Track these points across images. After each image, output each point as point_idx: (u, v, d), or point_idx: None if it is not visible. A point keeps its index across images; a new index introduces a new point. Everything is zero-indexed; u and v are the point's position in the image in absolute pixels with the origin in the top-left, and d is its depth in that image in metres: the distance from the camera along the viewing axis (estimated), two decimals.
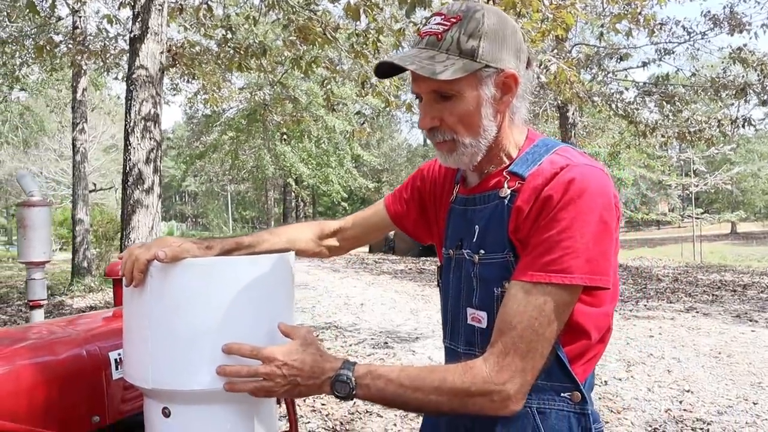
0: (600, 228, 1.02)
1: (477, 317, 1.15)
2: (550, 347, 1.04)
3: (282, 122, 10.29)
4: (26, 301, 2.22)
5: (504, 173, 1.14)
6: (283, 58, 7.07)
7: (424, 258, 18.50)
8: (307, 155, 26.83)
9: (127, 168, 6.07)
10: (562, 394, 1.10)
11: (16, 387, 1.22)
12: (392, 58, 1.12)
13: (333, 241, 1.49)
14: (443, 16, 1.10)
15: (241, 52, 6.86)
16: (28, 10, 5.58)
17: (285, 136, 25.29)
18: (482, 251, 1.14)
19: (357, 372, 1.06)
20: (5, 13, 7.88)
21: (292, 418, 1.43)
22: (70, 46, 8.59)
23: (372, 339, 7.19)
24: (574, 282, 1.01)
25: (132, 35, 5.83)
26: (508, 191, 1.11)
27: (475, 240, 1.16)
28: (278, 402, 1.40)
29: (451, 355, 1.24)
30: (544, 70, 5.19)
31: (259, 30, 6.76)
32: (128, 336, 1.20)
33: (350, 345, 6.91)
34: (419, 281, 13.11)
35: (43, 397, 1.25)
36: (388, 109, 8.00)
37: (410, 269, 15.91)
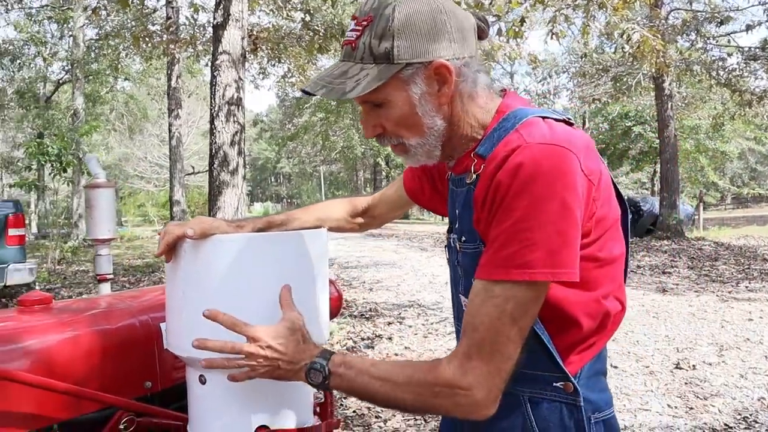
0: (561, 214, 0.92)
1: (466, 302, 1.11)
2: (518, 348, 0.97)
3: None
4: (95, 275, 2.41)
5: (471, 155, 1.07)
6: None
7: None
8: None
9: (213, 150, 6.35)
10: (554, 384, 1.06)
11: (75, 352, 1.32)
12: (307, 84, 1.07)
13: (363, 219, 1.52)
14: (356, 20, 1.03)
15: (321, 34, 6.96)
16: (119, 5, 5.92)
17: None
18: (463, 238, 1.10)
19: (332, 362, 1.05)
20: (106, 10, 8.41)
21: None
22: (163, 35, 9.03)
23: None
24: (535, 278, 0.92)
25: (215, 23, 6.05)
26: (474, 176, 1.05)
27: (457, 225, 1.13)
28: None
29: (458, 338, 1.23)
30: (627, 40, 4.93)
31: (337, 11, 6.82)
32: (168, 307, 1.27)
33: (431, 324, 6.94)
34: None
35: (100, 362, 1.36)
36: None
37: None
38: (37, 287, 7.99)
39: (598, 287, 1.04)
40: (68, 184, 13.09)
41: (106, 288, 2.48)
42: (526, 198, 0.91)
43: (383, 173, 32.40)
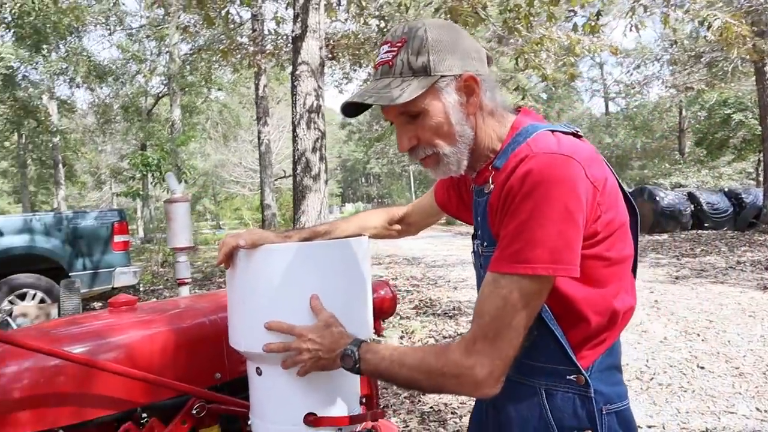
0: (562, 216, 1.02)
1: None
2: (520, 336, 1.06)
3: None
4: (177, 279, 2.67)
5: (489, 168, 1.19)
6: None
7: None
8: None
9: (296, 157, 6.63)
10: (567, 377, 1.15)
11: (153, 346, 1.53)
12: (352, 97, 1.18)
13: (400, 226, 1.66)
14: (389, 44, 1.16)
15: None
16: (205, 22, 6.33)
17: None
18: (485, 243, 1.21)
19: (362, 348, 1.18)
20: (195, 27, 8.97)
21: (371, 382, 1.61)
22: (249, 48, 9.49)
23: None
24: (536, 272, 1.02)
25: (294, 35, 6.33)
26: (491, 186, 1.16)
27: (479, 232, 1.25)
28: None
29: None
30: (708, 27, 4.75)
31: (410, 15, 6.95)
32: (229, 309, 1.45)
33: None
34: None
35: (175, 355, 1.55)
36: (547, 82, 7.79)
37: None
38: (141, 289, 8.63)
39: (607, 285, 1.13)
40: (168, 192, 13.91)
41: (184, 291, 2.75)
42: (531, 202, 1.02)
43: None
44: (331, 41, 7.24)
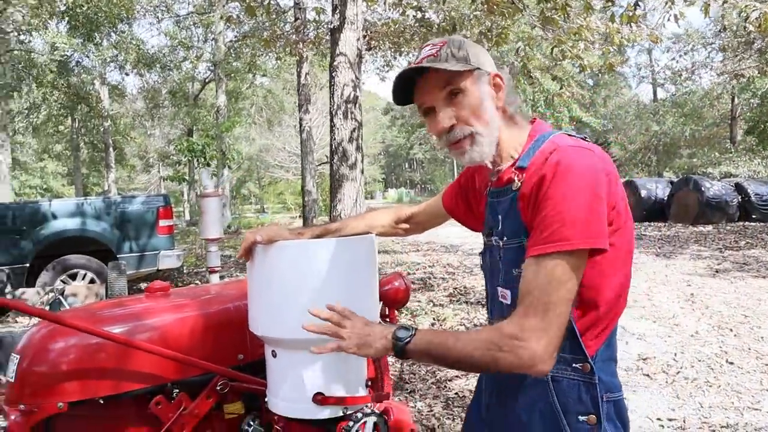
0: (591, 198, 1.15)
1: (503, 294, 1.34)
2: (568, 307, 1.16)
3: None
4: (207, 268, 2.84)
5: (513, 169, 1.31)
6: (473, 32, 7.24)
7: (648, 223, 17.34)
8: None
9: (333, 146, 6.78)
10: (573, 365, 1.25)
11: (182, 329, 1.70)
12: (405, 69, 1.33)
13: (408, 224, 1.78)
14: (431, 45, 1.33)
15: (433, 29, 7.17)
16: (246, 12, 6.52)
17: None
18: (505, 238, 1.32)
19: (416, 329, 1.24)
20: (239, 17, 9.21)
21: (377, 366, 1.74)
22: (290, 36, 9.66)
23: None
24: (574, 246, 1.14)
25: (332, 26, 6.46)
26: (518, 183, 1.28)
27: (499, 228, 1.35)
28: None
29: None
30: (745, 18, 4.67)
31: (447, 7, 6.99)
32: (249, 297, 1.61)
33: None
34: (636, 248, 12.29)
35: (202, 337, 1.72)
36: (587, 71, 7.73)
37: None
38: (185, 271, 8.97)
39: (613, 274, 1.24)
40: (212, 176, 14.33)
41: (215, 278, 2.94)
42: (563, 186, 1.15)
43: None
44: (370, 30, 7.35)
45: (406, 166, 74.81)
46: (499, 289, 1.36)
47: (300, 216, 14.19)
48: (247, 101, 28.65)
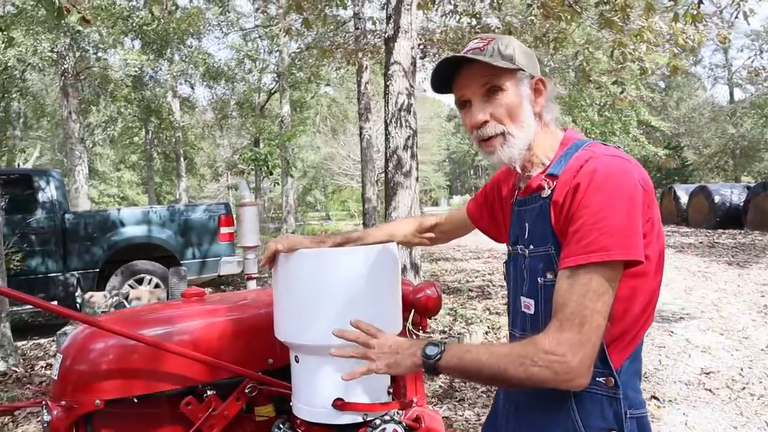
0: (630, 206, 1.13)
1: (527, 304, 1.31)
2: (605, 320, 1.12)
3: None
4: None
5: (543, 177, 1.28)
6: (527, 38, 7.15)
7: (721, 230, 16.58)
8: (590, 124, 25.66)
9: (388, 154, 6.83)
10: (597, 378, 1.19)
11: (213, 333, 1.76)
12: (446, 57, 1.30)
13: (431, 234, 1.77)
14: (480, 38, 1.31)
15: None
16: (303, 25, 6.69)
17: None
18: (531, 246, 1.29)
19: (447, 343, 1.21)
20: (297, 29, 9.46)
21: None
22: (348, 46, 9.81)
23: None
24: (612, 258, 1.10)
25: (386, 36, 6.53)
26: (549, 191, 1.25)
27: (526, 237, 1.32)
28: None
29: (512, 341, 1.39)
30: None
31: (502, 13, 6.94)
32: (274, 304, 1.65)
33: None
34: (707, 256, 11.90)
35: (233, 341, 1.78)
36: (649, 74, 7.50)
37: (700, 243, 14.44)
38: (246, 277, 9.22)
39: (645, 286, 1.21)
40: (273, 185, 14.76)
41: (252, 285, 3.02)
42: (600, 195, 1.13)
43: None
44: (425, 38, 7.37)
45: (471, 173, 74.23)
46: (523, 299, 1.33)
47: (362, 223, 14.32)
48: (312, 110, 29.16)
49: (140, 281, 7.16)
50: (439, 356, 1.18)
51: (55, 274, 6.91)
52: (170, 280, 6.39)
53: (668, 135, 29.25)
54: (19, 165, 20.14)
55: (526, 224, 1.33)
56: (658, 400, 4.23)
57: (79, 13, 5.49)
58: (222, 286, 8.90)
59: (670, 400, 4.22)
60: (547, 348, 1.10)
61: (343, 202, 39.42)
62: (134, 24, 13.91)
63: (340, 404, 1.53)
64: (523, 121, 1.28)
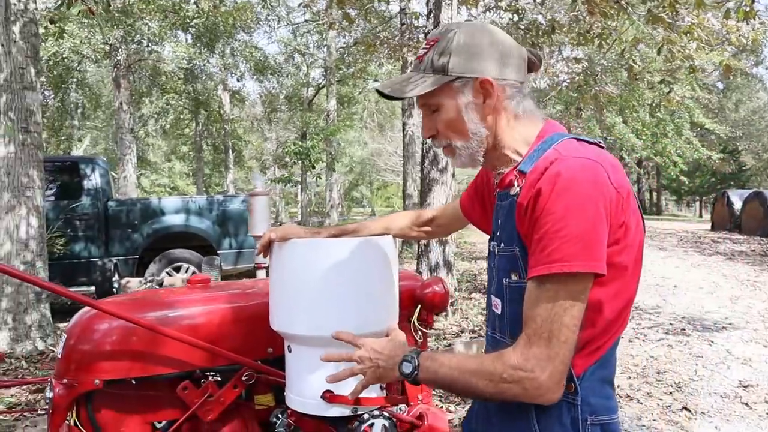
0: (594, 215, 1.06)
1: (495, 303, 1.28)
2: (574, 333, 1.08)
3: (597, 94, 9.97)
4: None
5: (514, 172, 1.23)
6: (570, 34, 6.99)
7: None
8: (641, 125, 24.96)
9: (424, 150, 6.80)
10: None
11: (213, 320, 1.78)
12: (379, 86, 1.28)
13: (428, 228, 1.74)
14: (427, 41, 1.27)
15: (531, 31, 7.00)
16: (345, 20, 6.71)
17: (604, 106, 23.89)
18: (502, 244, 1.25)
19: (421, 357, 1.20)
20: (340, 24, 9.50)
21: None
22: (392, 41, 9.80)
23: (670, 324, 6.75)
24: (573, 269, 1.05)
25: (427, 30, 6.49)
26: (518, 189, 1.20)
27: (498, 234, 1.29)
28: None
29: (487, 340, 1.38)
30: None
31: (546, 9, 6.79)
32: (270, 293, 1.65)
33: (642, 328, 6.61)
34: (758, 265, 11.43)
35: (233, 329, 1.79)
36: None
37: (752, 251, 13.88)
38: (255, 267, 9.34)
39: (618, 292, 1.16)
40: (316, 179, 14.92)
41: (261, 274, 3.04)
42: (563, 202, 1.07)
43: (624, 160, 30.06)
44: None
45: None
46: (493, 297, 1.30)
47: None
48: (359, 106, 29.30)
49: (178, 269, 7.32)
50: (415, 373, 1.19)
51: (95, 259, 7.14)
52: (203, 269, 6.51)
53: (724, 138, 28.21)
54: (70, 153, 20.89)
55: (499, 221, 1.30)
56: (689, 411, 4.09)
57: (83, 3, 5.62)
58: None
59: (702, 412, 4.07)
60: (515, 363, 1.09)
61: (388, 198, 39.52)
62: (183, 17, 14.22)
63: (329, 396, 1.51)
64: (467, 131, 1.24)
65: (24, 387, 4.31)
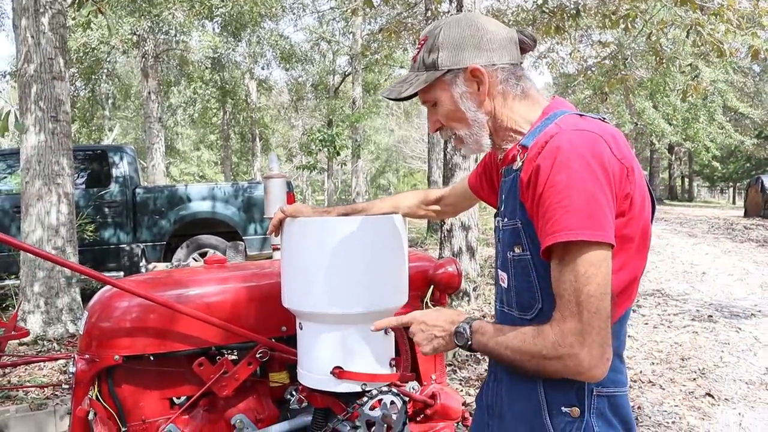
0: (595, 185, 1.07)
1: (502, 277, 1.30)
2: (604, 302, 1.07)
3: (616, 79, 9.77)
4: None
5: (517, 147, 1.26)
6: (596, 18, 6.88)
7: None
8: (672, 110, 24.44)
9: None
10: None
11: (228, 298, 1.83)
12: (381, 92, 1.36)
13: (436, 207, 1.76)
14: (420, 41, 1.32)
15: (557, 15, 6.91)
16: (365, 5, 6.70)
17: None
18: (506, 218, 1.28)
19: (473, 327, 1.21)
20: (363, 10, 9.47)
21: (402, 347, 1.74)
22: (415, 27, 9.75)
23: (697, 311, 6.67)
24: (578, 237, 1.05)
25: (449, 15, 6.45)
26: (520, 163, 1.22)
27: (502, 209, 1.31)
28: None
29: (496, 314, 1.39)
30: None
31: None
32: (281, 272, 1.69)
33: (668, 314, 6.55)
34: None
35: (247, 308, 1.84)
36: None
37: None
38: (271, 248, 9.42)
39: (626, 265, 1.16)
40: (341, 166, 14.93)
41: (277, 255, 3.06)
42: (564, 174, 1.08)
43: (655, 146, 29.51)
44: (496, 19, 7.21)
45: None
46: (499, 272, 1.32)
47: None
48: None
49: (204, 255, 7.44)
50: (469, 343, 1.21)
51: (124, 245, 7.30)
52: (227, 254, 6.61)
53: (759, 123, 27.49)
54: (100, 143, 21.26)
55: (503, 196, 1.32)
56: (712, 397, 4.05)
57: (95, 3, 5.69)
58: None
59: (726, 399, 4.03)
60: (553, 339, 1.09)
61: (414, 185, 39.44)
62: (208, 7, 14.33)
63: (338, 372, 1.55)
64: (467, 119, 1.28)
65: (56, 368, 4.45)
